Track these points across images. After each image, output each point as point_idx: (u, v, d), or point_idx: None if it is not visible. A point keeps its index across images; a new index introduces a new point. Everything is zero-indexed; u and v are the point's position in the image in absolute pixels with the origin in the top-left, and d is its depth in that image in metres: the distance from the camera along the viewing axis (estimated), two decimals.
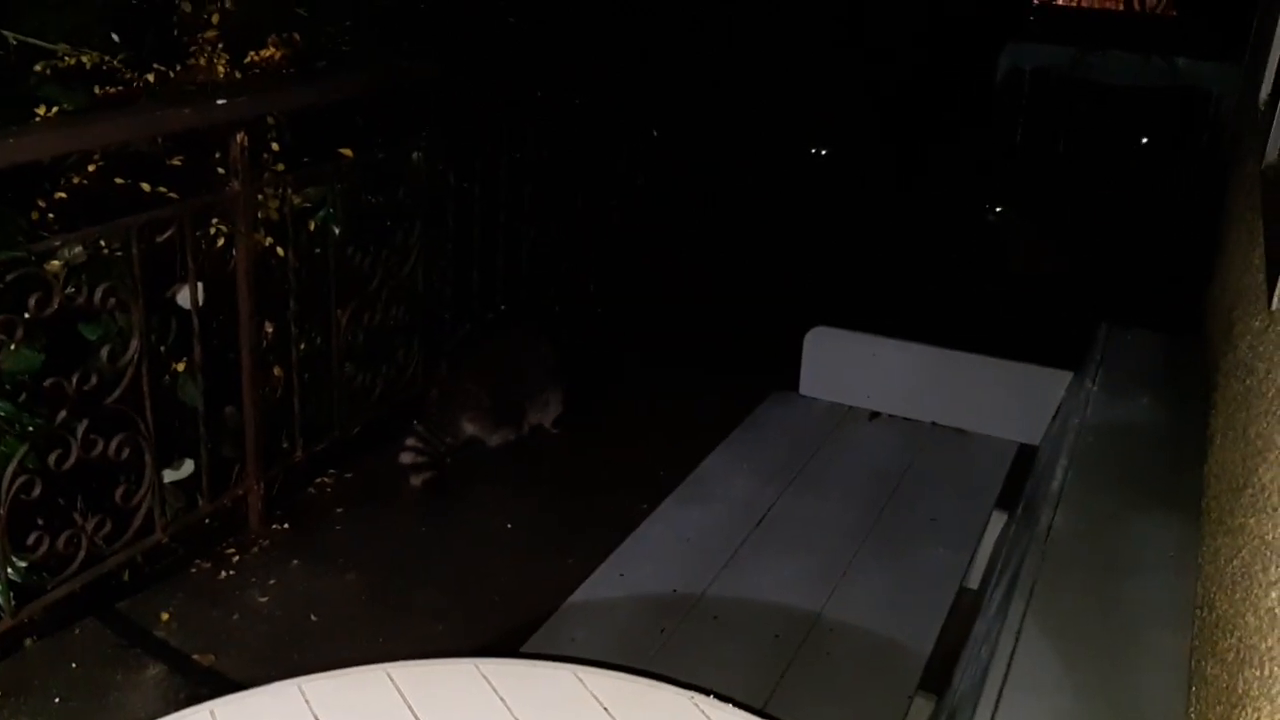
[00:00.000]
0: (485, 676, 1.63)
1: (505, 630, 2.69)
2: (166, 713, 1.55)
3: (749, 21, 5.98)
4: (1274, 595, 1.14)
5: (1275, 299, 1.71)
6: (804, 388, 3.61)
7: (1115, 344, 3.10)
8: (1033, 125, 7.49)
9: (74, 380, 2.53)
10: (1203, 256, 4.10)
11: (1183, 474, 2.32)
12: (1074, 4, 10.51)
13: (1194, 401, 2.61)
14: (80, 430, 2.56)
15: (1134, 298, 4.68)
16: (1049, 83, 7.38)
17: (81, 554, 2.66)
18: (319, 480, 3.45)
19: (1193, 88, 7.07)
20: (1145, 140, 6.88)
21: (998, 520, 2.99)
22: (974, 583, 2.88)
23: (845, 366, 3.60)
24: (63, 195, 2.70)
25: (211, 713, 1.53)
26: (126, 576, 2.88)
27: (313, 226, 3.25)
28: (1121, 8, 10.41)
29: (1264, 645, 1.14)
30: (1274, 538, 1.23)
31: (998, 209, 5.88)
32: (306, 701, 1.56)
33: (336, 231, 3.28)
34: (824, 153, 6.31)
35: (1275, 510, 1.26)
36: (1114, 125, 7.11)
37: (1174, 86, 7.13)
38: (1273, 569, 1.19)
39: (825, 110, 6.57)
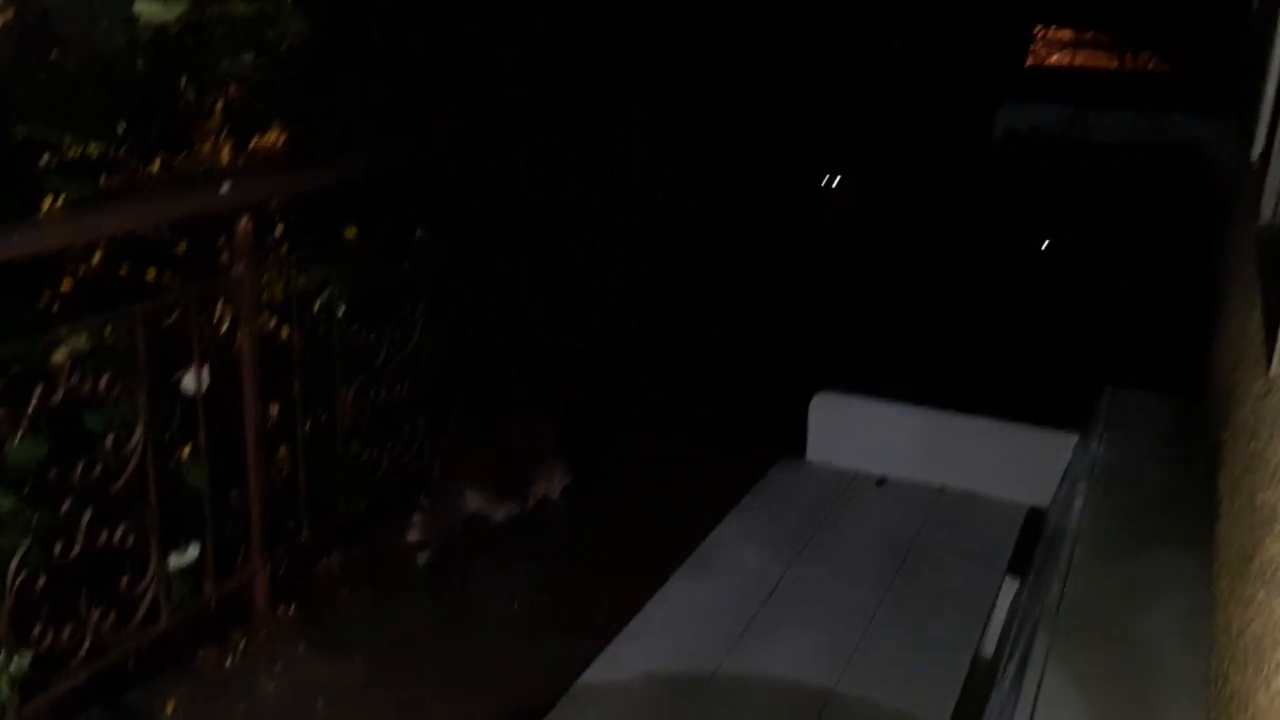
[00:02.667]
0: None
1: (515, 714, 2.66)
2: None
3: (749, 88, 6.06)
4: None
5: (1274, 364, 1.70)
6: (811, 454, 3.60)
7: (1119, 406, 3.09)
8: (1030, 184, 7.54)
9: (78, 470, 2.53)
10: (1201, 316, 4.10)
11: (1192, 539, 2.30)
12: (1068, 63, 10.65)
13: (1199, 464, 2.59)
14: (85, 520, 2.56)
15: (1134, 358, 4.68)
16: (1044, 142, 7.44)
17: (86, 645, 2.64)
18: (325, 560, 3.43)
19: (1186, 144, 7.13)
20: (1140, 197, 6.92)
21: (1009, 586, 2.96)
22: (988, 651, 2.84)
23: (852, 432, 3.59)
24: (68, 286, 2.73)
25: None
26: (131, 666, 2.86)
27: (317, 306, 3.28)
28: (1115, 65, 10.55)
29: None
30: None
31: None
32: None
33: (341, 310, 3.30)
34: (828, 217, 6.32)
35: None
36: (1109, 183, 7.15)
37: (1167, 143, 7.19)
38: None
39: (829, 169, 6.63)
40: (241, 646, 3.01)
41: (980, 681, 2.61)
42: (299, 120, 3.36)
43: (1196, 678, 1.79)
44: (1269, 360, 1.78)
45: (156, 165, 3.04)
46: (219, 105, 3.24)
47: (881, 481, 3.47)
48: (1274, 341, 1.76)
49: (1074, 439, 3.19)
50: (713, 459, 3.96)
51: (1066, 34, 10.57)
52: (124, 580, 2.72)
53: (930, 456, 3.47)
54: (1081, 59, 10.66)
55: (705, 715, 2.42)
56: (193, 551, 2.97)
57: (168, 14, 3.74)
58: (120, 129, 3.03)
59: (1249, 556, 1.61)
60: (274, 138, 3.29)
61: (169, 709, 2.75)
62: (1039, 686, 1.90)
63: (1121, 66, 10.39)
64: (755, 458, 3.59)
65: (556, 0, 4.63)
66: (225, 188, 2.88)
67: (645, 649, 2.65)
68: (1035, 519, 3.21)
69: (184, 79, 3.42)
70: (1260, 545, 1.51)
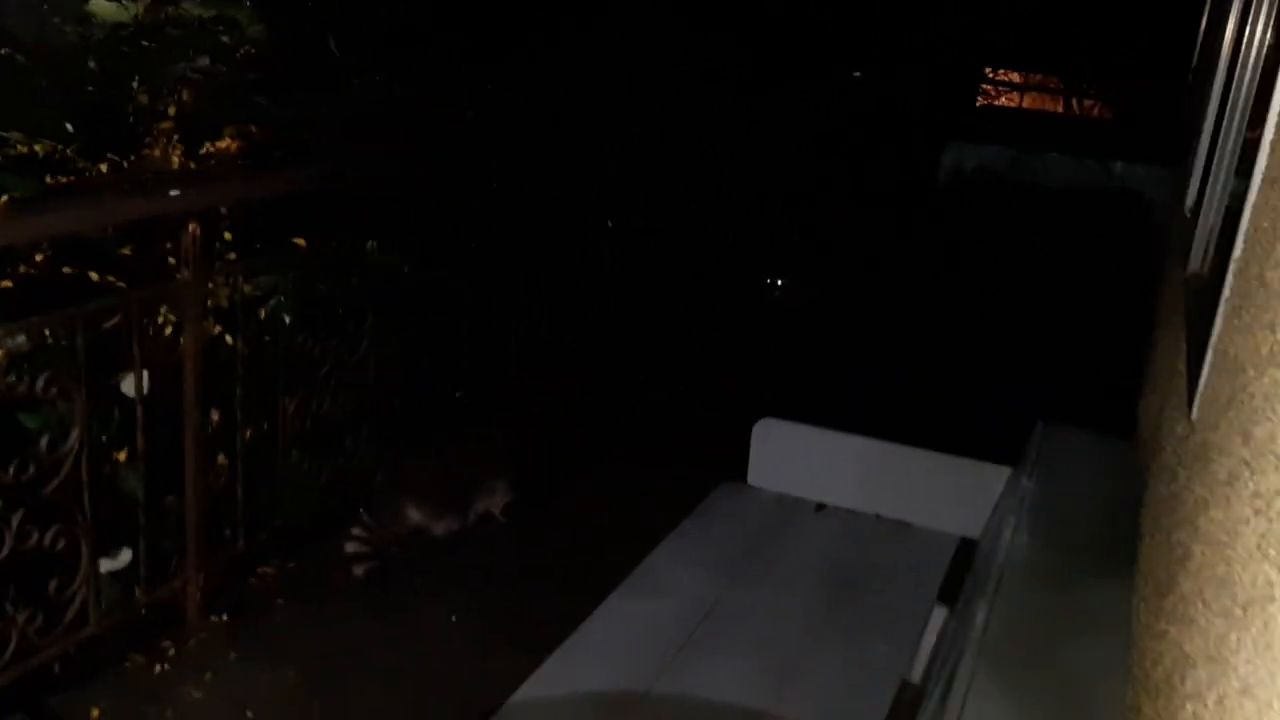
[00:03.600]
0: None
1: None
2: None
3: (702, 116, 6.13)
4: (1189, 709, 1.18)
5: (1194, 409, 1.77)
6: (752, 478, 3.65)
7: (1051, 442, 3.17)
8: (972, 224, 7.70)
9: (11, 470, 2.50)
10: (1137, 358, 4.21)
11: (1115, 573, 2.37)
12: (1015, 104, 10.89)
13: (1125, 502, 2.67)
14: (15, 521, 2.52)
15: (1071, 395, 4.78)
16: (988, 182, 7.61)
17: (11, 647, 2.59)
18: (261, 570, 3.40)
19: (1128, 190, 7.33)
20: (1080, 241, 7.09)
21: (939, 614, 3.02)
22: (917, 677, 2.89)
23: (793, 458, 3.65)
24: (8, 284, 2.70)
25: None
26: (57, 670, 2.81)
27: (263, 314, 3.26)
28: (1061, 110, 10.81)
29: None
30: (1190, 649, 1.26)
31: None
32: None
33: (287, 320, 3.28)
34: (777, 281, 6.38)
35: (1192, 622, 1.30)
36: (1050, 225, 7.32)
37: (1109, 189, 7.39)
38: (1189, 682, 1.22)
39: (769, 203, 6.71)
40: (171, 654, 2.97)
41: (909, 706, 2.67)
42: (253, 127, 3.34)
43: (1115, 706, 1.85)
44: (1189, 405, 1.85)
45: (105, 166, 3.01)
46: (172, 109, 3.22)
47: (820, 507, 3.53)
48: (1195, 388, 1.83)
49: (1007, 472, 3.27)
50: (656, 480, 3.98)
51: (1016, 76, 10.82)
52: (53, 583, 2.68)
53: (868, 485, 3.54)
54: (1030, 101, 10.91)
55: None
56: (125, 556, 2.94)
57: (123, 14, 3.72)
58: (70, 128, 2.99)
59: (1164, 593, 1.68)
60: (226, 144, 3.28)
61: (94, 715, 2.71)
62: (961, 711, 1.95)
63: (1068, 110, 10.66)
64: (697, 480, 3.63)
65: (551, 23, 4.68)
66: (174, 192, 2.87)
67: (578, 668, 2.67)
68: (967, 549, 3.28)
69: (137, 81, 3.40)
70: (1174, 582, 1.57)
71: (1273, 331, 1.21)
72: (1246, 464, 1.17)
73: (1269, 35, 2.34)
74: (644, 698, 2.56)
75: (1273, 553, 0.96)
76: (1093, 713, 1.90)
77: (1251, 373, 1.28)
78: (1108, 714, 1.83)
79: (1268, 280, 1.33)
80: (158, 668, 2.92)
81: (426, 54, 4.22)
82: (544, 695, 2.56)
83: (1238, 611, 1.04)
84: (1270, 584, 0.94)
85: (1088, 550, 2.61)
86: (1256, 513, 1.05)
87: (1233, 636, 1.03)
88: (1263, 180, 1.61)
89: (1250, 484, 1.11)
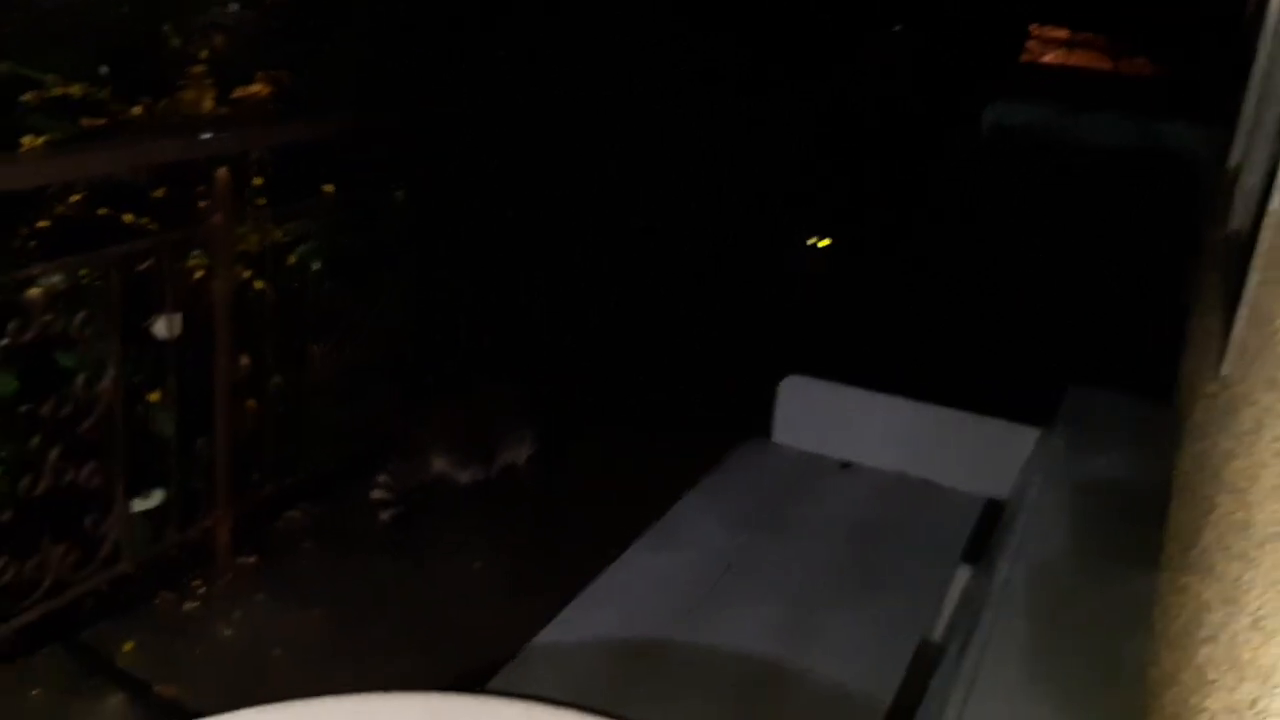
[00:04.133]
0: (436, 713, 1.63)
1: (468, 670, 2.68)
2: None
3: (736, 72, 6.07)
4: (1204, 652, 1.17)
5: (1225, 365, 1.74)
6: (777, 435, 3.63)
7: (1083, 404, 3.13)
8: (1014, 182, 7.58)
9: (48, 407, 2.54)
10: (1175, 321, 4.14)
11: (1142, 535, 2.35)
12: (1060, 62, 10.68)
13: (1157, 463, 2.64)
14: (52, 457, 2.57)
15: (1106, 358, 4.72)
16: (1030, 140, 7.48)
17: (47, 581, 2.65)
18: (288, 514, 3.44)
19: (1173, 151, 7.18)
20: (1122, 202, 6.96)
21: (963, 574, 3.01)
22: (938, 635, 2.89)
23: (818, 415, 3.63)
24: (45, 224, 2.73)
25: None
26: (90, 605, 2.87)
27: (292, 261, 3.28)
28: (1108, 68, 10.58)
29: (1194, 701, 1.16)
30: (1208, 596, 1.25)
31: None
32: None
33: (315, 267, 3.30)
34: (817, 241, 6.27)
35: (1211, 570, 1.29)
36: (1091, 185, 7.19)
37: (1154, 148, 7.24)
38: (1205, 627, 1.21)
39: (809, 160, 6.64)
40: (201, 593, 3.02)
41: (928, 664, 2.66)
42: (284, 73, 3.35)
43: (1136, 663, 1.84)
44: (1220, 362, 1.82)
45: (139, 110, 3.03)
46: (204, 53, 3.22)
47: (846, 465, 3.51)
48: (1226, 345, 1.80)
49: (1036, 434, 3.23)
50: (681, 436, 3.98)
51: (1062, 33, 10.60)
52: (88, 520, 2.73)
53: (894, 443, 3.51)
54: (1076, 59, 10.68)
55: (655, 681, 2.46)
56: (156, 497, 2.98)
57: None
58: (104, 72, 3.01)
59: (1188, 547, 1.66)
60: (257, 89, 3.28)
61: (126, 649, 2.77)
62: (980, 664, 1.94)
63: (1115, 69, 10.43)
64: (722, 436, 3.62)
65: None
66: (206, 136, 2.88)
67: (599, 615, 2.68)
68: (993, 510, 3.26)
69: (169, 26, 3.41)
70: (1198, 535, 1.55)
71: None
72: (1270, 410, 1.15)
73: None
74: (664, 645, 2.58)
75: None
76: (1114, 671, 1.89)
77: (1279, 322, 1.26)
78: (1131, 667, 1.82)
79: None
80: (187, 605, 2.98)
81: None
82: (564, 640, 2.57)
83: (1253, 552, 1.03)
84: None
85: (1115, 513, 2.58)
86: (1276, 455, 1.03)
87: (1247, 575, 1.02)
88: None
89: (1273, 429, 1.09)
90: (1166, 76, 10.07)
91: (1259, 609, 0.94)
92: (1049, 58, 10.74)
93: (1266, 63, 3.01)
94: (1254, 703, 0.88)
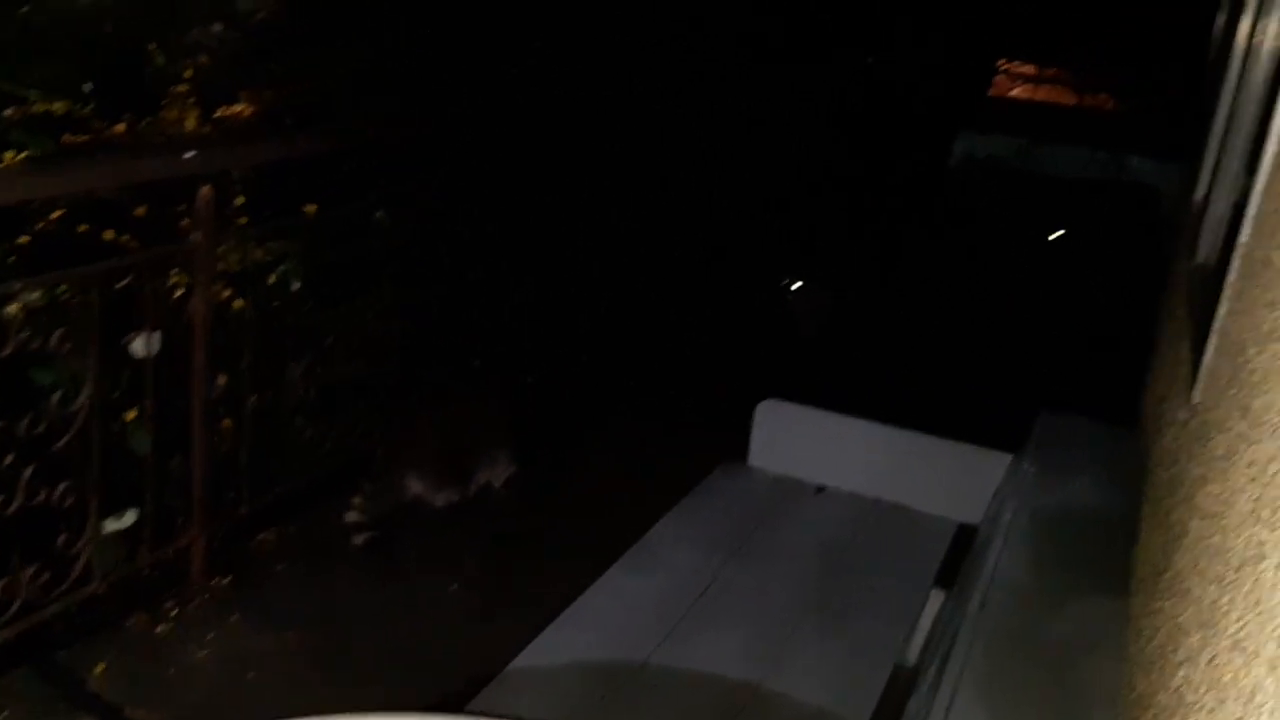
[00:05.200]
0: None
1: (445, 694, 2.68)
2: None
3: (715, 96, 6.13)
4: (1181, 674, 1.20)
5: (1196, 393, 1.79)
6: (753, 459, 3.66)
7: (1053, 430, 3.18)
8: (982, 212, 7.70)
9: (23, 425, 2.52)
10: (1142, 349, 4.22)
11: (1112, 559, 2.39)
12: (1027, 97, 10.86)
13: (1126, 489, 2.68)
14: (25, 475, 2.55)
15: (1075, 385, 4.79)
16: (999, 171, 7.61)
17: (18, 602, 2.62)
18: (264, 534, 3.43)
19: (1139, 183, 7.33)
20: (1090, 232, 7.09)
21: (936, 598, 3.03)
22: (911, 659, 2.91)
23: (794, 440, 3.65)
24: (25, 239, 2.72)
25: None
26: (62, 627, 2.84)
27: (273, 280, 3.28)
28: (1074, 103, 10.77)
29: None
30: (1184, 619, 1.28)
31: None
32: None
33: (296, 285, 3.30)
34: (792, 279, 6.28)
35: (1186, 594, 1.32)
36: (1060, 215, 7.31)
37: (1120, 181, 7.38)
38: (1181, 649, 1.24)
39: (786, 187, 6.71)
40: (174, 614, 3.00)
41: (902, 688, 2.68)
42: (267, 92, 3.36)
43: (1109, 687, 1.87)
44: (1191, 390, 1.87)
45: (121, 127, 3.03)
46: (189, 72, 3.23)
47: (820, 490, 3.54)
48: (1197, 372, 1.85)
49: (1008, 459, 3.27)
50: (657, 459, 4.00)
51: (1029, 68, 10.78)
52: (60, 540, 2.71)
53: (869, 468, 3.55)
54: (1042, 94, 10.87)
55: (632, 703, 2.46)
56: (130, 516, 2.96)
57: None
58: (87, 89, 3.01)
59: (1160, 571, 1.69)
60: (241, 108, 3.29)
61: (97, 671, 2.74)
62: (955, 689, 1.97)
63: (1080, 103, 10.62)
64: (698, 460, 3.64)
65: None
66: (189, 154, 2.89)
67: (578, 637, 2.69)
68: (966, 535, 3.29)
69: (153, 45, 3.41)
70: (1170, 559, 1.59)
71: (1273, 309, 1.23)
72: (1244, 437, 1.18)
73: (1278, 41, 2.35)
74: (641, 668, 2.58)
75: (1265, 514, 0.98)
76: (1086, 691, 1.91)
77: (1252, 350, 1.30)
78: (1105, 692, 1.85)
79: (1272, 260, 1.35)
80: (160, 627, 2.95)
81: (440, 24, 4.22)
82: (543, 663, 2.58)
83: (1230, 575, 1.06)
84: (1261, 544, 0.96)
85: (1086, 538, 2.62)
86: (1252, 480, 1.06)
87: (1225, 599, 1.05)
88: (1272, 165, 1.62)
89: (1247, 454, 1.13)
90: (1129, 111, 10.27)
91: (1238, 631, 0.97)
92: (1016, 92, 10.92)
93: (1231, 101, 3.09)
94: None
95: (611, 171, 5.20)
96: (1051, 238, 7.36)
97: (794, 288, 5.73)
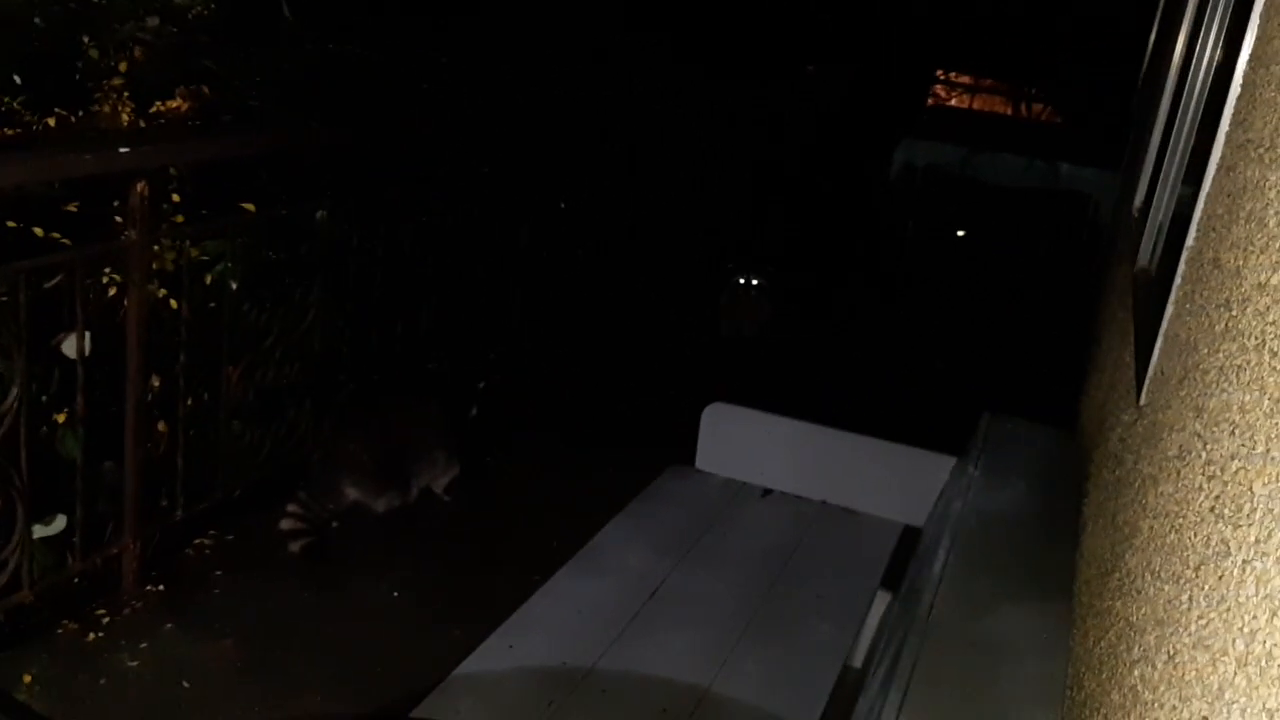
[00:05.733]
0: None
1: (387, 702, 2.63)
2: None
3: (652, 104, 6.13)
4: (1136, 674, 1.20)
5: (1143, 395, 1.81)
6: (700, 462, 3.65)
7: (996, 433, 3.21)
8: (922, 219, 7.81)
9: None
10: (1079, 353, 4.29)
11: (1057, 559, 2.41)
12: (965, 106, 11.04)
13: (1068, 490, 2.72)
14: None
15: (1015, 387, 4.86)
16: (938, 180, 7.72)
17: None
18: (198, 541, 3.34)
19: (1074, 191, 7.47)
20: (1027, 239, 7.22)
21: (882, 600, 3.05)
22: (858, 661, 2.92)
23: (740, 443, 3.66)
24: None
25: None
26: None
27: (209, 280, 3.20)
28: (1010, 112, 10.99)
29: None
30: (1137, 619, 1.29)
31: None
32: None
33: (234, 286, 3.23)
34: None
35: (1139, 593, 1.33)
36: (998, 222, 7.44)
37: (1056, 189, 7.53)
38: (1135, 648, 1.25)
39: (724, 191, 6.73)
40: (106, 622, 2.91)
41: (850, 689, 2.69)
42: (204, 88, 3.28)
43: (1054, 686, 1.88)
44: (1139, 392, 1.89)
45: (53, 121, 2.94)
46: (123, 65, 3.14)
47: (767, 493, 3.55)
48: (1144, 375, 1.87)
49: (951, 461, 3.31)
50: (604, 462, 3.98)
51: (966, 79, 10.96)
52: None
53: (815, 471, 3.56)
54: (979, 103, 11.06)
55: (580, 709, 2.44)
56: (59, 522, 2.87)
57: None
58: (16, 81, 2.91)
59: (1108, 571, 1.71)
60: (178, 104, 3.21)
61: (26, 681, 2.65)
62: (905, 691, 1.97)
63: (1017, 113, 10.82)
64: (645, 463, 3.63)
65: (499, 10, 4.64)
66: (123, 149, 2.80)
67: (523, 643, 2.65)
68: (910, 537, 3.32)
69: (86, 38, 3.32)
70: (1120, 559, 1.60)
71: (1227, 309, 1.24)
72: (1199, 435, 1.19)
73: (1218, 54, 2.39)
74: (588, 673, 2.56)
75: (1227, 512, 0.98)
76: (1032, 691, 1.93)
77: (1204, 351, 1.31)
78: (1050, 690, 1.86)
79: (1222, 262, 1.36)
80: (91, 635, 2.86)
81: (382, 22, 4.17)
82: (488, 669, 2.54)
83: (1189, 573, 1.06)
84: (1224, 541, 0.96)
85: (1029, 538, 2.65)
86: (1210, 478, 1.07)
87: (1184, 597, 1.05)
88: (1217, 169, 1.64)
89: (1203, 453, 1.14)
90: (1064, 122, 10.49)
91: (1199, 630, 0.97)
92: (954, 101, 11.10)
93: (1169, 111, 3.15)
94: None
95: (562, 176, 5.17)
96: (959, 234, 7.54)
97: (740, 283, 5.73)
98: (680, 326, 5.72)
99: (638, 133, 5.91)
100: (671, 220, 6.24)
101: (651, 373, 5.10)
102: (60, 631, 2.85)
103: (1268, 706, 0.81)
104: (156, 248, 2.98)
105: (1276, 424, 0.94)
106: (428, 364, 4.25)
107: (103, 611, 2.95)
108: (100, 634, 2.87)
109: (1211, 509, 1.04)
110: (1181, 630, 1.03)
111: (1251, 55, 1.68)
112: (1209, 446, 1.13)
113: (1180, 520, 1.18)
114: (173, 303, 3.07)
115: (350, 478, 3.56)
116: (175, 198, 3.08)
